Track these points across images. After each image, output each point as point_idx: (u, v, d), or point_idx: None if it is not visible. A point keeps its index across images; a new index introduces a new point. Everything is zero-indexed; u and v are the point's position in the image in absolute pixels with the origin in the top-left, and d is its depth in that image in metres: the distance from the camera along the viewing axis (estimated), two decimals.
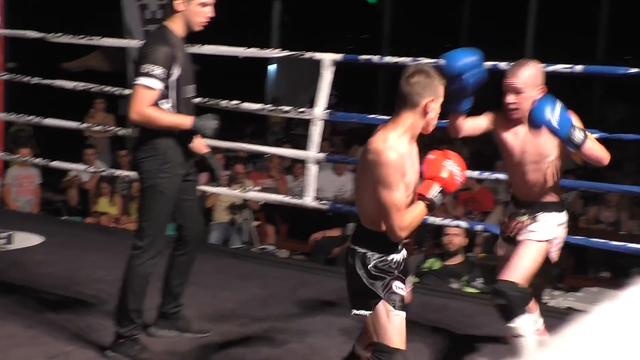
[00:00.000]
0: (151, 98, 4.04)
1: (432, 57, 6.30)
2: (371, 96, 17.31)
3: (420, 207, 3.44)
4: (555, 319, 5.20)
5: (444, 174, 3.45)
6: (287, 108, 7.10)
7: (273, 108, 7.40)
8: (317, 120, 6.31)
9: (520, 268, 4.00)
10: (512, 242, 4.19)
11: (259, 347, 4.60)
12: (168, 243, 4.46)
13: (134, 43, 11.17)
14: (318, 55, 6.31)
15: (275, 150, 8.39)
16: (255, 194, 7.59)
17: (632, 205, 9.41)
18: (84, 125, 8.55)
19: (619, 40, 18.37)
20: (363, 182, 3.47)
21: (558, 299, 7.40)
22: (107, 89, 7.51)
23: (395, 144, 3.28)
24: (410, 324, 5.04)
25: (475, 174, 6.53)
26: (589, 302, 7.27)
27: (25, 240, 6.60)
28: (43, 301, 5.14)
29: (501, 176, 6.73)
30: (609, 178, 10.16)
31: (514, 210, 4.28)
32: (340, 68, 6.36)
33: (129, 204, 9.42)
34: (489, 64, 6.15)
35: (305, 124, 6.81)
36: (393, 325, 3.50)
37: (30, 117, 7.44)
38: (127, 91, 8.77)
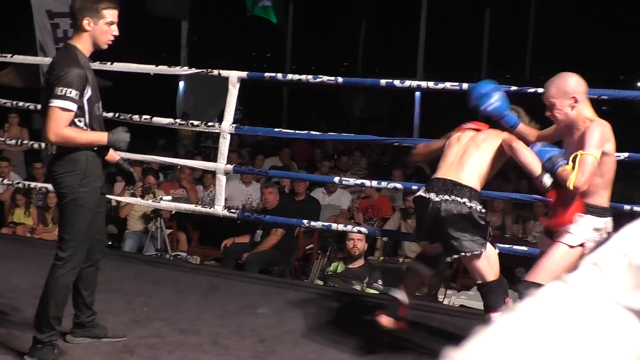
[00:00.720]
0: (67, 119, 3.95)
1: (332, 74, 6.37)
2: (276, 110, 17.33)
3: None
4: (449, 316, 5.29)
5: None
6: (196, 122, 7.03)
7: (183, 122, 7.33)
8: (225, 134, 6.29)
9: (546, 270, 4.00)
10: (552, 237, 4.19)
11: (173, 349, 4.54)
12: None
13: (46, 60, 11.01)
14: (225, 73, 6.28)
15: (187, 162, 8.32)
16: (168, 204, 7.48)
17: (515, 210, 9.63)
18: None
19: (499, 58, 18.87)
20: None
21: (451, 298, 7.51)
22: (21, 104, 7.34)
23: None
24: (316, 324, 5.11)
25: (374, 183, 6.61)
26: (479, 299, 7.38)
27: None
28: None
29: (398, 185, 6.83)
30: (493, 185, 10.39)
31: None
32: (246, 85, 6.36)
33: (44, 215, 9.23)
34: (383, 81, 6.28)
35: (214, 136, 6.77)
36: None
37: None
38: (40, 106, 8.62)
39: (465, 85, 5.73)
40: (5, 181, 8.49)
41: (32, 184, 8.08)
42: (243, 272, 7.56)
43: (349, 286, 6.80)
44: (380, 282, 6.97)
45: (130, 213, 9.19)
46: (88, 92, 4.04)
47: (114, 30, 4.12)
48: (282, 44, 18.17)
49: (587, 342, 0.61)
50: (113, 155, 4.47)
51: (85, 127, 4.08)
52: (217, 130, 6.42)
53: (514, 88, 5.56)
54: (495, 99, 4.37)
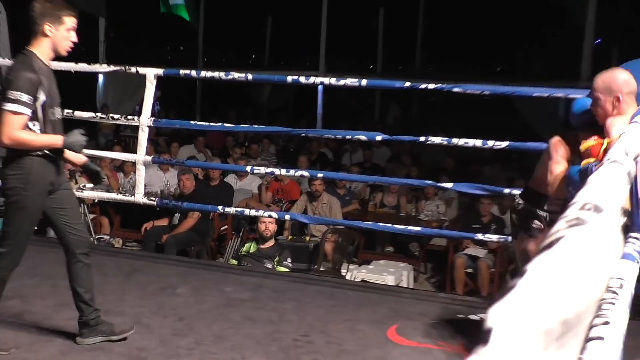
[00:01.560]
0: (20, 122, 3.76)
1: (241, 66, 6.37)
2: (190, 101, 17.16)
3: None
4: (353, 291, 5.34)
5: None
6: (116, 116, 6.94)
7: (104, 116, 7.20)
8: (144, 126, 6.21)
9: None
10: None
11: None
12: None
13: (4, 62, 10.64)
14: (142, 70, 6.19)
15: (108, 154, 8.17)
16: (90, 193, 7.34)
17: (409, 191, 9.79)
18: None
19: (393, 52, 19.09)
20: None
21: (353, 272, 7.62)
22: None
23: None
24: (231, 301, 5.11)
25: (283, 171, 6.63)
26: (377, 272, 7.52)
27: None
28: None
29: (305, 173, 6.86)
30: (389, 169, 10.55)
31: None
32: (162, 78, 6.28)
33: None
34: (289, 77, 6.28)
35: (133, 126, 6.67)
36: None
37: None
38: None
39: (364, 82, 5.79)
40: None
41: None
42: (162, 254, 7.51)
43: (261, 265, 6.82)
44: (289, 260, 7.01)
45: None
46: (42, 97, 3.84)
47: (73, 37, 3.94)
48: (195, 39, 17.96)
49: None
50: (79, 158, 4.22)
51: (39, 132, 3.90)
52: (136, 124, 6.33)
53: (407, 84, 5.61)
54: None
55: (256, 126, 7.87)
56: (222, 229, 8.84)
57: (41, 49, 3.88)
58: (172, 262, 6.39)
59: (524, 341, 0.69)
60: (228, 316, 4.82)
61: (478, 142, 5.41)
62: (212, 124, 6.84)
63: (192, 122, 7.22)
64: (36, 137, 3.85)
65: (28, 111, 3.76)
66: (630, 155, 2.06)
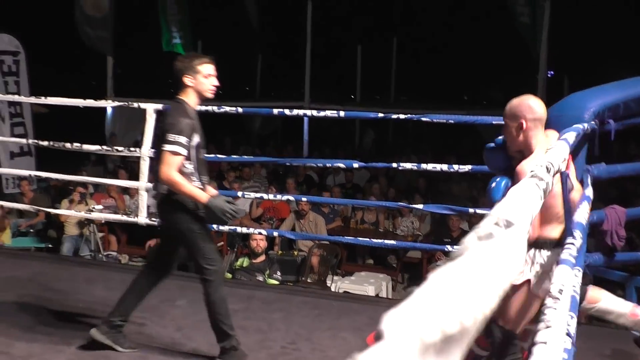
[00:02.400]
0: (177, 162, 3.76)
1: (235, 97, 6.33)
2: None
3: None
4: (336, 301, 5.28)
5: None
6: (120, 148, 6.92)
7: (109, 148, 7.17)
8: (145, 156, 6.18)
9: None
10: None
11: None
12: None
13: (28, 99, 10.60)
14: (143, 105, 6.17)
15: (114, 182, 8.10)
16: (98, 215, 7.30)
17: (386, 209, 9.76)
18: None
19: (370, 84, 19.17)
20: None
21: (337, 283, 7.56)
22: None
23: None
24: (231, 313, 5.04)
25: (271, 196, 6.61)
26: (359, 283, 7.48)
27: None
28: None
29: (291, 197, 6.84)
30: (367, 189, 10.53)
31: None
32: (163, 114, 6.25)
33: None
34: (276, 110, 6.26)
35: (137, 157, 6.62)
36: None
37: None
38: None
39: (342, 113, 5.78)
40: None
41: None
42: None
43: (253, 277, 6.77)
44: (278, 273, 6.98)
45: (67, 219, 8.90)
46: (195, 139, 3.87)
47: (213, 81, 3.97)
48: None
49: None
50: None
51: (192, 170, 3.90)
52: (138, 155, 6.30)
53: (380, 115, 5.60)
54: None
55: (245, 157, 7.86)
56: (218, 244, 8.78)
57: (189, 97, 3.91)
58: (172, 276, 6.29)
59: (404, 347, 0.67)
60: None
61: (444, 167, 5.41)
62: (206, 155, 6.79)
63: None
64: (187, 184, 3.82)
65: (184, 151, 3.77)
66: (552, 171, 2.03)
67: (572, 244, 2.41)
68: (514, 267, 1.05)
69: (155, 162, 4.01)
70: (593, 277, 5.61)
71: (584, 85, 4.87)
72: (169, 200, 3.94)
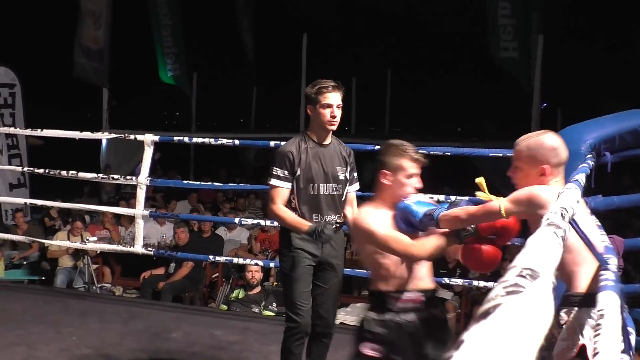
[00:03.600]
0: (280, 195, 3.60)
1: (230, 128, 6.33)
2: (185, 161, 17.14)
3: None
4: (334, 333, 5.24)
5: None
6: (116, 176, 6.88)
7: (105, 177, 7.17)
8: (141, 185, 6.15)
9: None
10: None
11: None
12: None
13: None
14: (140, 137, 6.16)
15: (110, 209, 8.08)
16: (93, 245, 7.26)
17: None
18: None
19: (365, 116, 19.27)
20: None
21: None
22: None
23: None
24: (220, 344, 5.01)
25: (268, 222, 6.57)
26: (355, 314, 7.40)
27: None
28: None
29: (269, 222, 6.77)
30: None
31: None
32: (160, 144, 6.25)
33: None
34: (272, 142, 6.26)
35: (132, 185, 6.60)
36: None
37: None
38: None
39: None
40: None
41: None
42: (159, 300, 7.40)
43: (249, 309, 6.74)
44: (274, 304, 6.93)
45: (61, 252, 8.85)
46: (298, 172, 3.62)
47: (332, 112, 3.65)
48: (188, 105, 18.04)
49: None
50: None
51: (297, 204, 3.66)
52: (134, 183, 6.27)
53: (378, 147, 5.58)
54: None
55: (242, 184, 7.83)
56: (213, 276, 8.72)
57: (310, 129, 3.71)
58: (167, 308, 6.30)
59: None
60: (217, 358, 4.73)
61: (442, 197, 5.38)
62: (202, 182, 6.79)
63: (184, 181, 7.15)
64: (288, 215, 3.62)
65: (286, 184, 3.61)
66: (566, 217, 1.98)
67: (604, 273, 2.38)
68: (546, 319, 1.03)
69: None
70: None
71: (578, 117, 4.90)
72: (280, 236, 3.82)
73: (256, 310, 6.75)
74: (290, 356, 3.70)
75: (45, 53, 17.98)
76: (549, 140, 2.68)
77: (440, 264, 8.28)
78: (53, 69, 15.47)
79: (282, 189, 3.59)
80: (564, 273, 2.57)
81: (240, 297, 7.04)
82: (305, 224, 3.57)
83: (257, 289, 7.02)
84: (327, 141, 3.70)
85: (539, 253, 1.31)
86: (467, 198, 2.97)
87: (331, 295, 3.79)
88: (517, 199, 2.62)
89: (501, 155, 5.30)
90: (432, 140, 5.98)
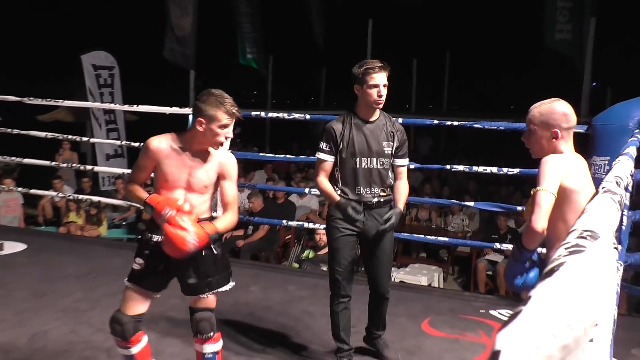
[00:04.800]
0: (322, 167, 3.51)
1: (302, 107, 6.35)
2: (261, 135, 17.29)
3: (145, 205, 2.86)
4: (392, 290, 5.25)
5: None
6: None
7: None
8: None
9: None
10: None
11: (186, 319, 4.46)
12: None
13: (92, 103, 10.90)
14: None
15: None
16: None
17: (439, 208, 9.67)
18: (54, 163, 8.13)
19: (424, 95, 18.96)
20: None
21: (393, 273, 7.50)
22: (70, 137, 7.24)
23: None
24: (293, 298, 5.07)
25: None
26: (413, 274, 7.41)
27: (13, 247, 6.25)
28: (27, 293, 4.88)
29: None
30: (421, 190, 10.42)
31: None
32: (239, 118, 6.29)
33: (91, 216, 9.09)
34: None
35: None
36: None
37: (14, 158, 7.10)
38: (85, 138, 8.50)
39: (400, 120, 5.73)
40: (60, 194, 8.41)
41: (80, 196, 8.02)
42: (238, 258, 7.50)
43: (318, 268, 6.77)
44: None
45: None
46: (342, 146, 3.52)
47: (379, 92, 3.46)
48: (264, 85, 18.14)
49: None
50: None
51: (339, 177, 3.56)
52: None
53: (435, 122, 5.52)
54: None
55: (312, 156, 7.83)
56: (286, 238, 8.81)
57: (357, 107, 3.56)
58: (245, 266, 6.38)
59: None
60: (290, 311, 4.79)
61: (494, 169, 5.30)
62: (277, 155, 6.81)
63: (261, 153, 7.21)
64: (325, 187, 3.56)
65: (329, 157, 3.53)
66: (622, 184, 1.96)
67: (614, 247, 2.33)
68: (608, 275, 1.03)
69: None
70: (634, 273, 5.45)
71: (627, 96, 4.73)
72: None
73: (324, 269, 6.77)
74: (333, 315, 3.69)
75: (140, 38, 18.32)
76: (560, 107, 2.61)
77: (493, 229, 8.18)
78: (147, 53, 15.76)
79: (325, 162, 3.52)
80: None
81: (310, 257, 7.09)
82: (335, 198, 3.53)
83: (325, 250, 7.03)
84: (374, 117, 3.57)
85: (598, 216, 1.30)
86: None
87: (382, 261, 3.72)
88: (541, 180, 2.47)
89: None
90: (487, 118, 5.84)
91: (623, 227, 2.78)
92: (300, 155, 8.50)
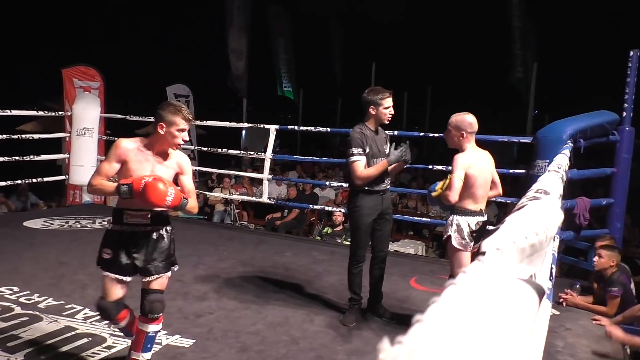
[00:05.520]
0: (360, 166, 3.39)
1: (325, 122, 6.30)
2: (294, 144, 17.31)
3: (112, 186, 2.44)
4: (389, 256, 5.24)
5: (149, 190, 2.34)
6: (252, 152, 7.02)
7: (245, 153, 7.34)
8: (267, 158, 6.25)
9: (454, 269, 3.28)
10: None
11: (244, 277, 4.46)
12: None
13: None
14: (267, 126, 6.25)
15: (247, 174, 8.26)
16: (237, 196, 7.46)
17: (422, 198, 9.56)
18: None
19: (414, 116, 18.75)
20: None
21: (390, 246, 7.45)
22: None
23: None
24: (317, 261, 5.07)
25: (345, 185, 6.54)
26: (404, 246, 7.35)
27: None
28: None
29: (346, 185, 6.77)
30: (408, 186, 10.33)
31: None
32: (280, 131, 6.30)
33: None
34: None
35: (262, 159, 6.71)
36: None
37: None
38: None
39: (395, 133, 5.71)
40: None
41: None
42: (277, 233, 7.52)
43: (334, 240, 6.77)
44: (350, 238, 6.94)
45: (216, 201, 9.15)
46: (367, 149, 3.42)
47: (390, 112, 3.45)
48: (296, 109, 18.18)
49: (500, 312, 0.48)
50: (399, 166, 3.55)
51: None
52: (263, 157, 6.38)
53: (421, 134, 5.46)
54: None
55: (331, 159, 7.84)
56: (311, 219, 8.81)
57: (369, 122, 3.48)
58: (282, 238, 6.41)
59: (509, 255, 0.65)
60: (315, 270, 4.79)
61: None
62: (306, 157, 6.83)
63: (294, 156, 7.20)
64: (373, 170, 3.43)
65: (363, 159, 3.41)
66: (562, 169, 2.02)
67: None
68: (557, 212, 1.08)
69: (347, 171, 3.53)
70: (565, 246, 5.38)
71: (560, 118, 4.69)
72: (350, 199, 3.58)
73: (339, 241, 6.78)
74: (352, 276, 3.63)
75: (209, 75, 18.46)
76: (468, 118, 3.06)
77: None
78: (213, 86, 15.86)
79: (360, 162, 3.41)
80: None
81: (328, 232, 7.07)
82: (385, 163, 3.42)
83: (340, 227, 7.04)
84: (378, 129, 3.55)
85: (547, 181, 1.35)
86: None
87: (386, 235, 3.70)
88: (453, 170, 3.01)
89: (506, 140, 5.13)
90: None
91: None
92: (322, 157, 8.48)
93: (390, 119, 3.48)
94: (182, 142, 2.54)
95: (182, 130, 2.51)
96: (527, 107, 12.26)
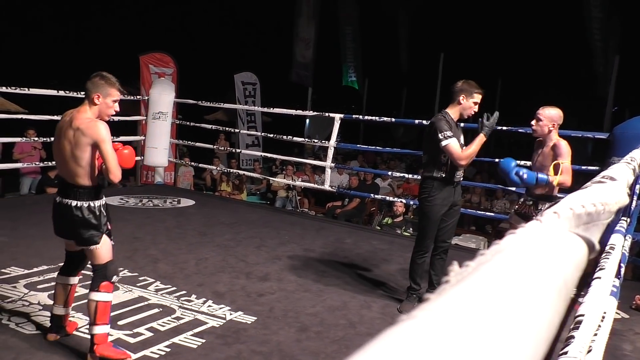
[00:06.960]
0: (455, 147, 3.34)
1: (387, 113, 6.27)
2: (357, 134, 17.29)
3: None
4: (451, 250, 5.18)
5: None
6: (316, 141, 7.09)
7: (309, 140, 7.43)
8: (331, 147, 6.30)
9: None
10: (523, 217, 3.32)
11: (298, 257, 4.57)
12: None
13: (240, 106, 11.22)
14: (332, 115, 6.29)
15: (310, 162, 8.38)
16: (300, 183, 7.58)
17: (486, 193, 9.35)
18: (215, 147, 8.51)
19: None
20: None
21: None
22: (226, 129, 7.51)
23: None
24: (376, 250, 5.09)
25: (409, 176, 6.49)
26: (465, 241, 7.22)
27: (186, 202, 6.59)
28: (195, 232, 5.12)
29: (418, 176, 6.70)
30: (472, 180, 10.08)
31: (526, 198, 3.42)
32: (343, 120, 6.33)
33: (237, 186, 9.42)
34: (417, 121, 6.14)
35: (324, 148, 6.77)
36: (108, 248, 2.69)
37: (189, 142, 7.47)
38: (236, 130, 8.80)
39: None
40: (217, 169, 8.72)
41: (230, 170, 8.36)
42: (337, 220, 7.58)
43: (394, 231, 6.75)
44: (410, 229, 6.90)
45: (279, 187, 9.31)
46: (452, 132, 3.38)
47: (475, 107, 3.42)
48: (361, 99, 18.11)
49: (552, 257, 0.52)
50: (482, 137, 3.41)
51: (447, 162, 3.45)
52: (326, 145, 6.43)
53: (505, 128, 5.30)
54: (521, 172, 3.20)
55: (392, 149, 7.78)
56: (372, 209, 8.81)
57: (452, 111, 3.45)
58: (342, 225, 6.45)
59: (565, 218, 0.67)
60: (374, 258, 4.81)
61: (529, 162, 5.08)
62: (368, 146, 6.82)
63: (357, 145, 7.22)
64: (472, 147, 3.38)
65: (455, 140, 3.37)
66: (635, 161, 1.98)
67: (624, 220, 2.24)
68: (620, 193, 1.11)
69: (427, 156, 3.49)
70: (639, 249, 5.09)
71: None
72: (421, 185, 3.56)
73: (398, 231, 6.76)
74: (414, 265, 3.64)
75: (275, 65, 18.75)
76: (559, 111, 3.32)
77: None
78: (279, 75, 16.09)
79: (454, 143, 3.35)
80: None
81: (388, 222, 7.06)
82: (481, 135, 3.36)
83: (400, 218, 7.02)
84: (457, 118, 3.51)
85: (616, 169, 1.36)
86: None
87: (453, 226, 3.65)
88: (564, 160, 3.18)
89: (580, 135, 4.92)
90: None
91: (632, 207, 2.65)
92: (385, 147, 8.44)
93: (471, 114, 3.46)
94: (114, 113, 2.61)
95: (116, 101, 2.60)
96: (605, 102, 11.60)
